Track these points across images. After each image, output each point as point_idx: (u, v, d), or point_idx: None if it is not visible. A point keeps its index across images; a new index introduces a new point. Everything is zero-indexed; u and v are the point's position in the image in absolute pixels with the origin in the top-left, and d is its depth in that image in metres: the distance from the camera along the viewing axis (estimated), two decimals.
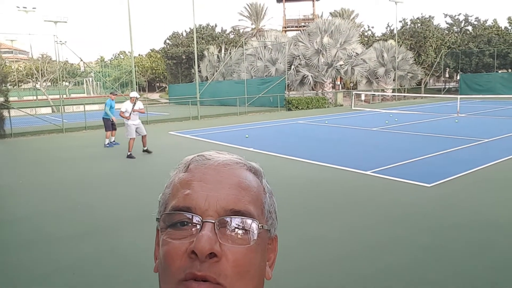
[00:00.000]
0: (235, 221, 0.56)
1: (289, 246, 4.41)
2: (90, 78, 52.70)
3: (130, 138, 10.45)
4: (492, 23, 39.29)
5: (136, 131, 10.56)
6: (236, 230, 0.56)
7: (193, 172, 0.62)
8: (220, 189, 0.58)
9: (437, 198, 6.10)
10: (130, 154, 10.37)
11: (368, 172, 7.79)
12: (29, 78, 48.85)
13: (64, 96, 36.06)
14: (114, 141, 12.60)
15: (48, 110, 30.10)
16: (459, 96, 21.62)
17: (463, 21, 40.67)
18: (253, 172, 0.66)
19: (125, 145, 11.95)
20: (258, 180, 0.65)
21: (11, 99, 17.96)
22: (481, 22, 39.70)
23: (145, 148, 10.85)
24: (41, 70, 39.28)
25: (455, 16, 41.03)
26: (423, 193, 6.37)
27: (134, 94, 10.80)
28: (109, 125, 12.26)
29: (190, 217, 0.56)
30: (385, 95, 33.09)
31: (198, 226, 0.55)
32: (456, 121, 16.17)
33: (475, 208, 5.61)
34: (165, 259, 0.56)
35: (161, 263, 0.57)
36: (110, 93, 12.78)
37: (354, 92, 27.86)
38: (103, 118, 12.45)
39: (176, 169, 0.66)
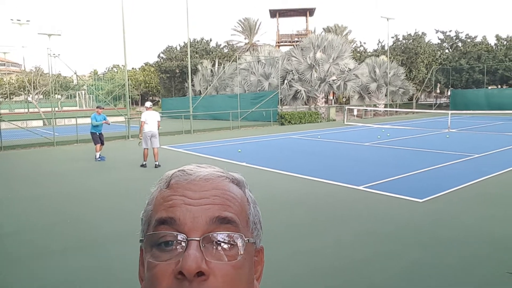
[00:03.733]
0: (220, 237, 0.56)
1: (281, 260, 4.36)
2: (83, 91, 52.58)
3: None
4: (481, 39, 40.05)
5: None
6: (222, 245, 0.56)
7: (174, 188, 0.61)
8: (203, 202, 0.58)
9: (429, 213, 6.10)
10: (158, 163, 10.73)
11: (360, 187, 7.79)
12: (21, 91, 48.65)
13: (56, 109, 35.89)
14: (100, 156, 12.19)
15: (39, 123, 29.90)
16: (450, 112, 21.87)
17: (454, 37, 41.39)
18: (236, 184, 0.65)
19: (110, 160, 12.03)
20: (241, 191, 0.65)
21: (2, 111, 17.87)
22: (471, 38, 40.44)
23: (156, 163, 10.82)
24: (33, 83, 39.14)
25: (446, 32, 41.77)
26: (415, 208, 6.37)
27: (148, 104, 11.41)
28: (97, 139, 12.15)
29: (175, 235, 0.55)
30: (377, 110, 33.36)
31: (184, 244, 0.55)
32: (447, 136, 16.31)
33: (467, 223, 5.61)
34: (152, 282, 0.55)
35: (148, 286, 0.57)
36: (97, 107, 12.68)
37: (346, 107, 28.06)
38: (90, 132, 12.35)
39: (157, 185, 0.65)
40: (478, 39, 40.19)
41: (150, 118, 10.69)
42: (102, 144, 12.38)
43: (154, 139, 10.71)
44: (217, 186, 0.61)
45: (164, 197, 0.61)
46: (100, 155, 12.23)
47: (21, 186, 9.07)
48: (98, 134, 12.19)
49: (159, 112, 15.74)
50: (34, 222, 6.23)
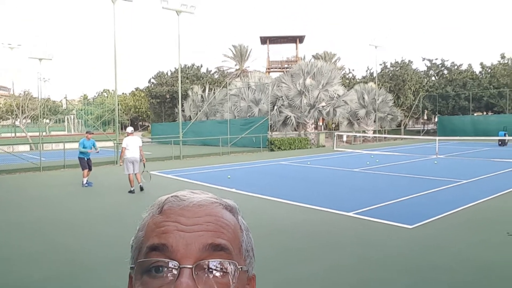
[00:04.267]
0: (213, 265, 0.55)
1: (267, 287, 4.26)
2: (72, 116, 52.33)
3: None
4: (467, 67, 41.09)
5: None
6: (214, 273, 0.55)
7: (167, 214, 0.60)
8: (196, 228, 0.58)
9: (419, 239, 6.06)
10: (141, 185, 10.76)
11: (350, 214, 7.74)
12: (9, 115, 48.22)
13: (44, 133, 35.56)
14: (87, 181, 11.98)
15: (26, 147, 29.53)
16: (437, 138, 22.15)
17: (440, 65, 42.42)
18: (229, 210, 0.64)
19: (98, 185, 11.88)
20: (234, 218, 0.64)
21: None
22: (457, 66, 41.48)
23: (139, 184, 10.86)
24: (21, 107, 38.87)
25: (432, 60, 42.82)
26: (405, 235, 6.33)
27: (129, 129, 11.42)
28: (85, 164, 11.98)
29: (166, 262, 0.54)
30: (366, 136, 33.68)
31: (175, 271, 0.53)
32: (435, 162, 16.44)
33: (457, 249, 5.57)
34: None
35: None
36: (86, 132, 12.52)
37: (336, 133, 28.29)
38: (78, 157, 12.16)
39: (149, 211, 0.63)
40: (464, 67, 41.25)
41: (132, 143, 10.70)
42: (90, 169, 12.18)
43: (136, 164, 10.73)
44: (211, 213, 0.60)
45: (156, 223, 0.59)
46: (87, 180, 12.02)
47: (5, 211, 8.84)
48: (86, 159, 12.04)
49: (149, 138, 15.65)
50: (19, 249, 6.04)
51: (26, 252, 5.90)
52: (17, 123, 42.24)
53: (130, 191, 10.57)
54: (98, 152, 12.47)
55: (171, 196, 0.63)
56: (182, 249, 0.54)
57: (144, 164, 11.11)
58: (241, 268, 0.58)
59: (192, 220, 0.58)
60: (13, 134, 40.16)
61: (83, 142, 12.03)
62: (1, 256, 5.76)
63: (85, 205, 9.47)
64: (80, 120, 51.37)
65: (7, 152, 20.26)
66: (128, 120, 55.85)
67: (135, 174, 10.74)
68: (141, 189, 10.69)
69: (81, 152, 12.03)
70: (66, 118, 53.19)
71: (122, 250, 5.62)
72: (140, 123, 61.31)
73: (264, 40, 50.16)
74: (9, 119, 50.99)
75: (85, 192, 11.17)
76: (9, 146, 24.86)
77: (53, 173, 15.84)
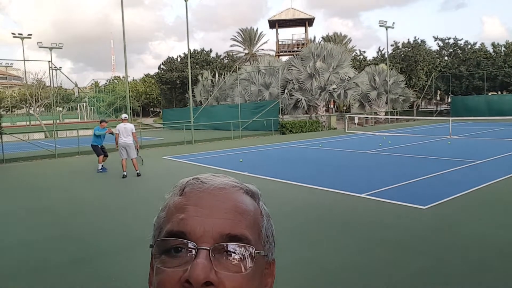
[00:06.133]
0: (231, 248, 0.55)
1: (285, 268, 4.33)
2: (84, 103, 52.79)
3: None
4: (480, 46, 40.21)
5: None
6: (232, 257, 0.55)
7: (188, 196, 0.61)
8: (216, 214, 0.57)
9: (433, 220, 6.07)
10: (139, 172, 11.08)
11: (363, 195, 7.76)
12: (23, 104, 48.85)
13: (58, 121, 36.00)
14: (103, 166, 12.29)
15: (41, 135, 29.98)
16: (451, 118, 21.87)
17: (453, 45, 41.57)
18: (250, 195, 0.64)
19: (113, 171, 12.03)
20: (255, 203, 0.64)
21: (3, 124, 17.90)
22: (470, 45, 40.62)
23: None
24: (35, 96, 39.32)
25: (445, 39, 41.95)
26: (418, 215, 6.34)
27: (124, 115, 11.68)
28: (99, 151, 12.22)
29: (186, 243, 0.55)
30: (378, 118, 33.41)
31: (193, 252, 0.54)
32: (449, 143, 16.29)
33: (471, 229, 5.58)
34: None
35: None
36: (100, 121, 12.78)
37: (347, 116, 28.10)
38: (91, 145, 12.41)
39: (171, 192, 0.65)
40: (477, 46, 40.36)
41: (124, 130, 11.10)
42: (106, 156, 12.44)
43: (129, 150, 11.10)
44: (231, 197, 0.61)
45: (176, 205, 0.60)
46: (102, 166, 12.25)
47: (22, 198, 9.06)
48: (99, 146, 12.27)
49: (161, 123, 15.81)
50: (35, 234, 6.20)
51: (45, 237, 6.07)
52: (31, 111, 42.81)
53: (123, 176, 10.90)
54: (113, 134, 12.70)
55: (193, 179, 0.64)
56: (200, 233, 0.55)
57: (137, 149, 11.44)
58: (259, 253, 0.58)
59: (212, 203, 0.59)
60: (27, 123, 40.74)
61: (98, 129, 12.29)
62: (21, 240, 5.93)
63: (98, 191, 9.66)
64: (92, 108, 51.81)
65: (23, 140, 20.60)
66: (139, 106, 56.16)
67: (132, 160, 11.10)
68: (138, 175, 11.00)
69: (95, 139, 12.23)
70: (78, 106, 53.70)
71: (134, 234, 5.75)
72: (152, 109, 61.61)
73: (273, 24, 49.61)
74: (23, 108, 51.69)
75: (99, 178, 11.36)
76: (25, 134, 25.25)
77: (68, 160, 16.10)
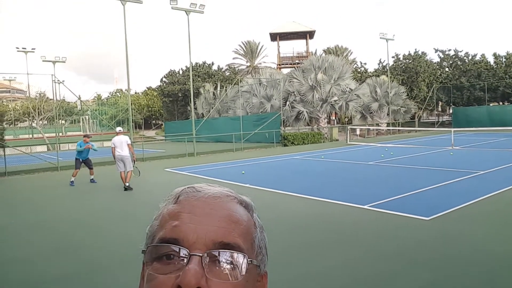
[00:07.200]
0: (224, 255, 0.55)
1: (287, 282, 4.29)
2: (87, 116, 53.02)
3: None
4: (480, 57, 40.37)
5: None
6: (225, 264, 0.55)
7: (182, 204, 0.61)
8: (209, 222, 0.57)
9: (436, 231, 6.02)
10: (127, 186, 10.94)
11: (365, 206, 7.72)
12: (26, 117, 49.11)
13: (60, 134, 36.10)
14: (92, 179, 12.93)
15: (43, 148, 30.05)
16: (452, 129, 21.85)
17: (453, 56, 41.76)
18: (244, 206, 0.64)
19: (111, 183, 12.18)
20: (249, 214, 0.64)
21: (6, 137, 17.96)
22: (471, 56, 40.79)
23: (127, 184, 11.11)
24: (37, 109, 39.54)
25: (445, 51, 42.15)
26: (421, 227, 6.29)
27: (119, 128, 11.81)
28: (78, 165, 12.66)
29: (177, 250, 0.54)
30: (379, 129, 33.41)
31: (185, 259, 0.53)
32: (451, 153, 16.25)
33: (474, 241, 5.53)
34: None
35: None
36: (84, 136, 13.17)
37: (349, 127, 28.12)
38: (75, 158, 12.83)
39: (166, 201, 0.65)
40: (478, 58, 40.52)
41: (119, 143, 11.11)
42: (91, 168, 12.96)
43: (126, 162, 11.07)
44: (225, 206, 0.61)
45: (170, 213, 0.60)
46: (92, 178, 12.90)
47: (23, 211, 9.04)
48: (81, 160, 12.68)
49: (163, 136, 15.90)
50: (36, 248, 6.17)
51: (45, 250, 6.04)
52: (33, 124, 42.99)
53: (125, 188, 10.90)
54: (96, 150, 13.10)
55: (188, 187, 0.64)
56: (193, 240, 0.55)
57: (134, 160, 11.48)
58: (251, 261, 0.57)
59: (206, 211, 0.59)
60: (30, 136, 40.92)
61: (80, 144, 12.67)
62: (22, 254, 5.90)
63: (100, 204, 9.63)
64: (95, 120, 52.03)
65: (25, 153, 20.65)
66: (141, 119, 56.37)
67: (127, 172, 11.05)
68: (125, 189, 10.84)
69: (78, 153, 12.69)
70: (81, 119, 53.94)
71: (135, 247, 5.71)
72: (154, 121, 61.81)
73: (274, 37, 50.04)
74: (26, 121, 51.95)
75: (101, 191, 11.36)
76: (27, 147, 25.33)
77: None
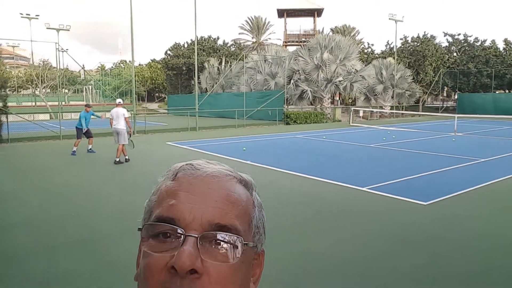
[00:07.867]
0: (219, 237, 0.55)
1: (284, 260, 4.37)
2: (90, 86, 52.82)
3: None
4: (490, 43, 39.74)
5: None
6: (220, 246, 0.54)
7: (180, 182, 0.60)
8: (206, 202, 0.57)
9: (433, 216, 6.07)
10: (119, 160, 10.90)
11: (364, 189, 7.77)
12: (29, 84, 48.96)
13: (63, 103, 36.07)
14: (91, 149, 13.09)
15: (46, 116, 30.12)
16: (456, 115, 21.74)
17: (463, 41, 41.11)
18: (243, 184, 0.63)
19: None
20: (248, 193, 0.63)
21: (9, 104, 17.96)
22: (480, 42, 40.15)
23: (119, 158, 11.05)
24: (41, 77, 39.36)
25: (454, 35, 41.48)
26: (419, 211, 6.35)
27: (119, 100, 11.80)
28: (80, 134, 12.81)
29: (173, 229, 0.54)
30: (383, 112, 33.26)
31: (181, 239, 0.53)
32: (454, 140, 16.22)
33: (471, 227, 5.58)
34: (144, 272, 0.54)
35: (140, 274, 0.56)
36: (85, 105, 13.27)
37: (352, 108, 28.00)
38: (76, 127, 13.00)
39: (164, 176, 0.64)
40: (487, 43, 39.90)
41: (116, 114, 11.05)
42: (91, 137, 13.07)
43: (119, 135, 10.96)
44: (223, 186, 0.60)
45: (168, 190, 0.60)
46: (91, 148, 13.03)
47: (25, 178, 9.14)
48: (83, 129, 12.79)
49: (165, 109, 15.88)
50: (38, 214, 6.27)
51: (50, 217, 6.14)
52: (37, 92, 42.92)
53: (126, 160, 10.96)
54: (102, 119, 13.24)
55: (186, 164, 0.63)
56: (189, 220, 0.55)
57: (130, 134, 11.39)
58: (247, 244, 0.57)
59: (203, 191, 0.58)
60: (33, 103, 40.88)
61: (84, 115, 12.78)
62: (28, 219, 6.00)
63: (102, 173, 9.72)
64: (98, 91, 51.85)
65: (28, 120, 20.71)
66: (145, 91, 56.11)
67: (119, 145, 10.93)
68: (115, 162, 10.74)
69: (79, 122, 12.84)
70: (84, 88, 53.75)
71: (137, 217, 5.79)
72: (157, 94, 61.58)
73: (281, 13, 49.22)
74: (29, 88, 51.83)
75: (103, 160, 11.41)
76: (30, 114, 25.36)
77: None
